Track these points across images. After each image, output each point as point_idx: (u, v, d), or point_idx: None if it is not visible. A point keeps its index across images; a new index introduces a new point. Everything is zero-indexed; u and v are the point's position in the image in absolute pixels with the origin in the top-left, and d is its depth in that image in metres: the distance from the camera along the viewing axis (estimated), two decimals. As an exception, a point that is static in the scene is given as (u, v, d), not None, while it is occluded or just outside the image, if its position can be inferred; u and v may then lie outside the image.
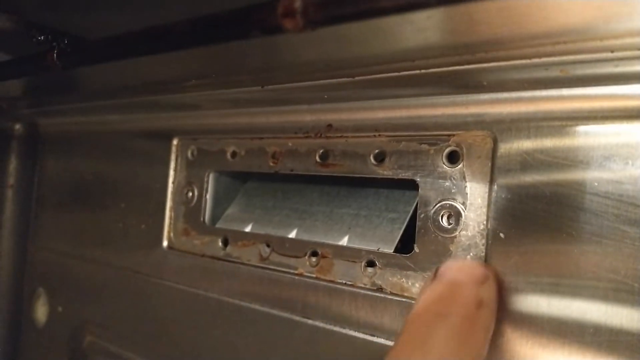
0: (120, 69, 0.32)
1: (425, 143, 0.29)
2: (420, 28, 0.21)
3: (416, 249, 0.29)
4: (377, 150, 0.31)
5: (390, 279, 0.30)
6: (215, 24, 0.20)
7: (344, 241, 0.33)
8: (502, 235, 0.26)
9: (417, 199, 0.29)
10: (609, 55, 0.21)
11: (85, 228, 0.53)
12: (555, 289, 0.25)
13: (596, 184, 0.24)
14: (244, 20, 0.19)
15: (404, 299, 0.29)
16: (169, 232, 0.43)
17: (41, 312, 0.58)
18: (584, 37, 0.20)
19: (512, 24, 0.20)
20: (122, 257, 0.48)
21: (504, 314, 0.26)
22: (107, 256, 0.49)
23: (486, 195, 0.27)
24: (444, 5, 0.16)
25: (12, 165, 0.60)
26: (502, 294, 0.26)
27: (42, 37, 0.29)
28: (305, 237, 0.35)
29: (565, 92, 0.24)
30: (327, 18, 0.18)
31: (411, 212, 0.32)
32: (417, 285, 0.29)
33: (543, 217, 0.25)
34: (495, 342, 0.26)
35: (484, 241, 0.27)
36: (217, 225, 0.41)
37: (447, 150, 0.28)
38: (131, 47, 0.24)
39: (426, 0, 0.16)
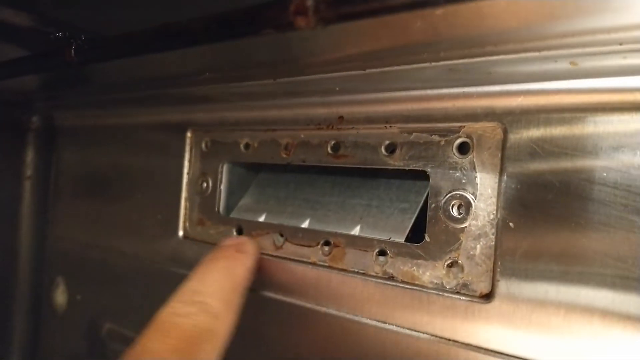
0: (134, 63, 0.33)
1: (435, 134, 0.30)
2: (430, 22, 0.21)
3: (427, 239, 0.30)
4: (388, 142, 0.32)
5: (401, 267, 0.31)
6: (229, 22, 0.21)
7: (356, 231, 0.34)
8: (511, 224, 0.27)
9: (428, 189, 0.30)
10: (618, 47, 0.21)
11: (102, 218, 0.54)
12: (564, 276, 0.25)
13: (605, 174, 0.24)
14: (257, 18, 0.20)
15: (415, 288, 0.30)
16: (184, 222, 0.44)
17: (60, 300, 0.59)
18: (592, 31, 0.20)
19: (521, 18, 0.20)
20: (139, 247, 0.49)
21: (514, 299, 0.26)
22: (124, 246, 0.51)
23: (496, 185, 0.27)
24: (452, 3, 0.17)
25: (29, 157, 0.61)
26: (510, 286, 0.26)
27: (60, 34, 0.30)
28: (318, 227, 0.36)
29: (574, 83, 0.25)
30: (338, 16, 0.18)
31: (422, 202, 0.32)
32: (427, 273, 0.30)
33: (552, 206, 0.25)
34: (505, 328, 0.26)
35: (493, 230, 0.27)
36: (232, 215, 0.42)
37: (458, 141, 0.29)
38: (147, 44, 0.25)
39: (435, -2, 0.16)
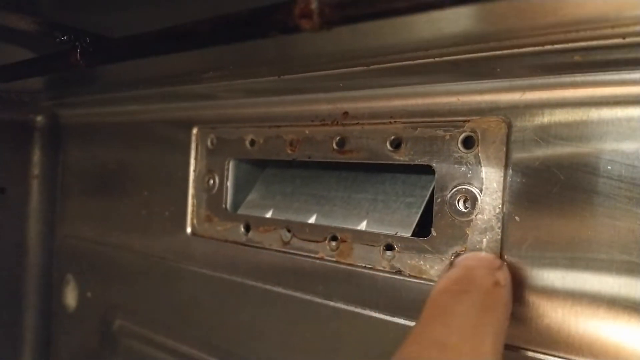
0: (140, 63, 0.33)
1: (440, 129, 0.30)
2: (434, 20, 0.22)
3: (433, 233, 0.30)
4: (393, 137, 0.32)
5: (408, 261, 0.31)
6: (235, 24, 0.21)
7: (363, 226, 0.34)
8: (517, 218, 0.27)
9: (434, 183, 0.30)
10: (621, 41, 0.21)
11: (109, 216, 0.54)
12: (570, 268, 0.25)
13: (609, 167, 0.24)
14: (262, 21, 0.20)
15: (422, 281, 0.30)
16: (192, 219, 0.45)
17: (71, 297, 0.60)
18: (595, 25, 0.21)
19: (525, 15, 0.20)
20: (147, 244, 0.49)
21: (520, 293, 0.27)
22: (133, 242, 0.51)
23: (501, 179, 0.28)
24: (457, 5, 0.17)
25: (36, 156, 0.61)
26: (516, 280, 0.26)
27: (65, 37, 0.30)
28: (325, 222, 0.36)
29: (578, 77, 0.25)
30: (343, 18, 0.18)
31: (428, 196, 0.33)
32: (435, 267, 0.30)
33: (557, 200, 0.26)
34: (512, 319, 0.27)
35: (499, 224, 0.27)
36: (239, 212, 0.42)
37: (463, 135, 0.29)
38: (153, 47, 0.25)
39: (440, 1, 0.16)
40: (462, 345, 0.21)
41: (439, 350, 0.21)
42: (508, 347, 0.27)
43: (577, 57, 0.23)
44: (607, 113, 0.24)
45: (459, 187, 0.29)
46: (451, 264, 0.27)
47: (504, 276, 0.25)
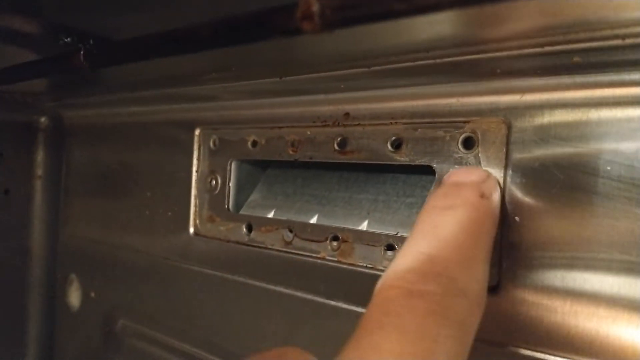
0: (143, 65, 0.33)
1: (441, 130, 0.30)
2: (433, 22, 0.22)
3: (434, 233, 0.30)
4: (393, 137, 0.32)
5: (409, 261, 0.31)
6: (237, 27, 0.21)
7: (364, 226, 0.34)
8: (517, 218, 0.27)
9: (434, 184, 0.30)
10: (621, 42, 0.21)
11: (113, 216, 0.55)
12: (570, 268, 0.26)
13: (609, 167, 0.24)
14: (264, 24, 0.20)
15: (423, 281, 0.30)
16: (194, 219, 0.45)
17: (74, 297, 0.60)
18: (595, 27, 0.21)
19: (523, 18, 0.20)
20: (150, 244, 0.50)
21: (519, 292, 0.27)
22: (136, 243, 0.51)
23: (501, 179, 0.28)
24: (457, 7, 0.17)
25: (40, 157, 0.62)
26: (516, 278, 0.27)
27: (69, 39, 0.31)
28: (326, 222, 0.36)
29: (578, 78, 0.25)
30: (344, 20, 0.19)
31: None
32: (435, 267, 0.30)
33: (557, 200, 0.26)
34: (512, 319, 0.27)
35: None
36: (241, 212, 0.43)
37: (463, 136, 0.29)
38: (156, 49, 0.25)
39: (439, 3, 0.16)
40: (450, 256, 0.22)
41: (428, 260, 0.22)
42: (508, 346, 0.27)
43: (576, 58, 0.23)
44: (606, 114, 0.24)
45: (460, 187, 0.29)
46: (440, 182, 0.27)
47: (489, 187, 0.25)
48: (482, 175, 0.26)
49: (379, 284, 0.22)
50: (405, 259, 0.22)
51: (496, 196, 0.26)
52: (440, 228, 0.23)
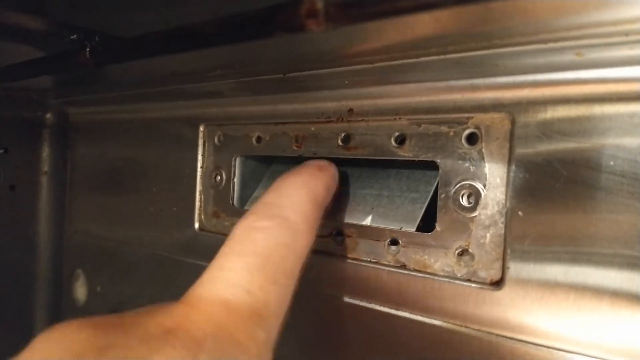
0: (147, 62, 0.33)
1: (444, 125, 0.30)
2: (437, 19, 0.22)
3: (437, 228, 0.30)
4: (397, 133, 0.32)
5: (413, 256, 0.31)
6: (241, 24, 0.21)
7: (368, 221, 0.35)
8: (520, 213, 0.27)
9: (438, 179, 0.31)
10: (624, 38, 0.22)
11: (118, 212, 0.55)
12: (573, 262, 0.26)
13: (612, 162, 0.24)
14: (268, 21, 0.21)
15: (426, 275, 0.31)
16: (199, 215, 0.45)
17: (80, 292, 0.61)
18: (597, 23, 0.21)
19: (527, 14, 0.21)
20: (155, 239, 0.50)
21: (523, 286, 0.27)
22: (141, 238, 0.52)
23: (505, 175, 0.28)
24: (461, 4, 0.17)
25: (45, 153, 0.62)
26: (519, 276, 0.27)
27: (74, 36, 0.31)
28: (330, 217, 0.37)
29: (581, 74, 0.25)
30: (348, 18, 0.19)
31: (432, 192, 0.33)
32: (439, 262, 0.30)
33: (560, 195, 0.26)
34: (515, 313, 0.27)
35: (503, 219, 0.28)
36: (246, 207, 0.43)
37: (466, 132, 0.29)
38: (161, 46, 0.26)
39: (443, 0, 0.16)
40: (283, 202, 0.29)
41: (266, 206, 0.29)
42: (511, 341, 0.27)
43: (579, 54, 0.23)
44: (609, 109, 0.24)
45: (463, 182, 0.29)
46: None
47: (330, 168, 0.34)
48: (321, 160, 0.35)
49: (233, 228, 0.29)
50: (252, 208, 0.30)
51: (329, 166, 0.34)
52: (283, 188, 0.30)
